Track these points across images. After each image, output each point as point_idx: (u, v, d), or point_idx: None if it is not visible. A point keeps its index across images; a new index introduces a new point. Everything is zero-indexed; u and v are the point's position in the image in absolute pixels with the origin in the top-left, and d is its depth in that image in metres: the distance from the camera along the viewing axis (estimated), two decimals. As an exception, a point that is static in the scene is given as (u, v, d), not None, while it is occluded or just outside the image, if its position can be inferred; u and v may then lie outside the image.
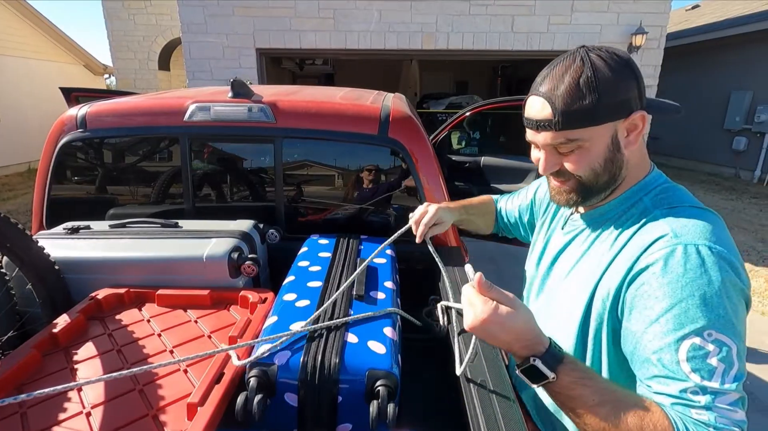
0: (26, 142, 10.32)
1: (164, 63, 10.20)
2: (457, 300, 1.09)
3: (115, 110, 1.48)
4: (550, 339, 0.68)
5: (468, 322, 0.69)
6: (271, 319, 0.93)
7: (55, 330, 0.95)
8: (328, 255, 1.24)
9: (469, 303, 0.70)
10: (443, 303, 1.12)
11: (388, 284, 1.11)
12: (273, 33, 5.88)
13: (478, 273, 0.73)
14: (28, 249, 1.06)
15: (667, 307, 0.63)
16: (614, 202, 0.79)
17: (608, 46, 0.78)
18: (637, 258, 0.68)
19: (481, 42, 5.94)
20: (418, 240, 1.19)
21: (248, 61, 5.98)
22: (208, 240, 1.21)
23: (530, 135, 0.82)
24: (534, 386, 0.67)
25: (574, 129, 0.73)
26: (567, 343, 0.82)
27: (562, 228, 0.90)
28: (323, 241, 1.33)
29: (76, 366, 0.89)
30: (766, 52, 7.92)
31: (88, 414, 0.76)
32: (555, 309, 0.79)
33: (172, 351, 0.94)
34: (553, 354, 0.65)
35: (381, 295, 1.05)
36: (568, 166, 0.77)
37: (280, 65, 8.19)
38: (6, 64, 10.08)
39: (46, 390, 0.68)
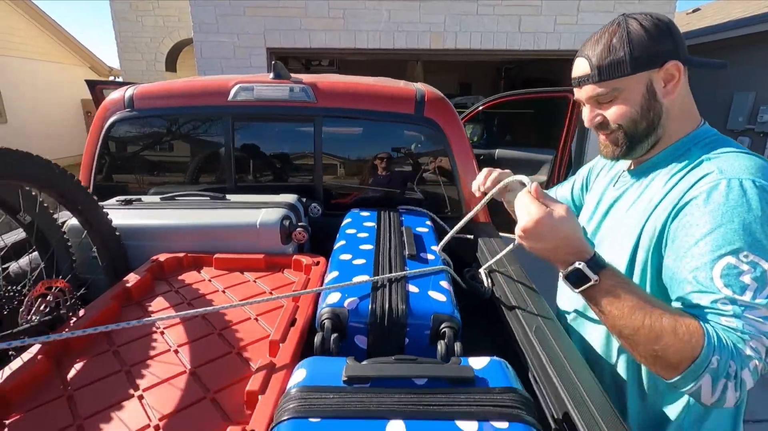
0: (31, 143, 10.38)
1: (171, 64, 10.28)
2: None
3: (160, 91, 1.54)
4: (594, 248, 0.73)
5: (522, 224, 0.75)
6: (332, 274, 0.99)
7: (127, 285, 1.01)
8: (372, 224, 1.29)
9: (525, 206, 0.75)
10: (486, 265, 1.17)
11: (434, 248, 1.17)
12: (283, 32, 5.96)
13: (534, 183, 0.79)
14: (96, 214, 1.11)
15: (707, 232, 0.68)
16: (662, 154, 0.85)
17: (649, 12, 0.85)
18: (683, 195, 0.74)
19: (489, 42, 6.02)
20: (483, 187, 1.11)
21: (259, 60, 6.05)
22: (259, 210, 1.27)
23: (576, 93, 0.89)
24: (576, 291, 0.72)
25: (610, 80, 0.80)
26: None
27: (614, 185, 0.96)
28: (365, 213, 1.39)
29: (153, 316, 0.95)
30: None
31: (176, 351, 0.82)
32: (604, 252, 0.85)
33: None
34: (596, 261, 0.71)
35: (430, 257, 1.11)
36: (608, 115, 0.84)
37: (286, 66, 8.27)
38: (12, 65, 10.18)
39: (142, 320, 0.73)
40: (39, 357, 0.75)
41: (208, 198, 1.38)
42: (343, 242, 1.17)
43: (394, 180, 1.65)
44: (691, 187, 0.74)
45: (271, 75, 1.56)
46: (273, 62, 1.56)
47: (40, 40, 11.08)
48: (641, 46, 0.77)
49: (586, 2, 5.85)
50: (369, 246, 1.13)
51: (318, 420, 0.57)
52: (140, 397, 0.70)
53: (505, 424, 0.56)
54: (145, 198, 1.40)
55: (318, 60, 9.47)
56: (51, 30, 11.25)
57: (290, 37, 5.98)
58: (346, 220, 1.35)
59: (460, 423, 0.56)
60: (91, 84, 2.93)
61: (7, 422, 0.65)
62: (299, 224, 1.25)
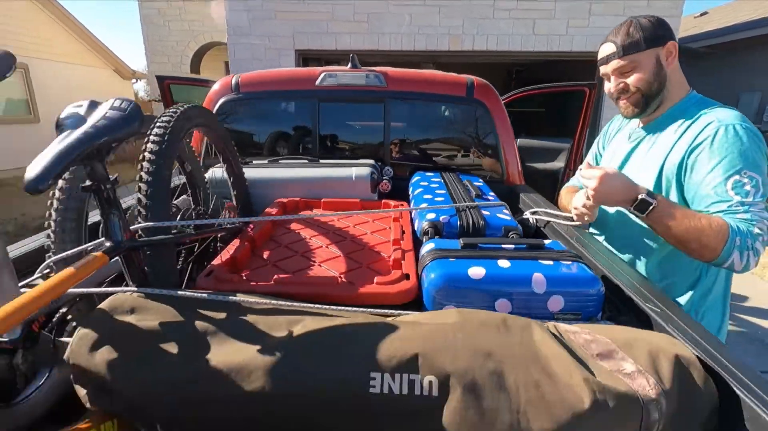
0: (62, 142, 10.89)
1: (195, 66, 10.75)
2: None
3: (261, 78, 1.92)
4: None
5: (592, 185, 1.08)
6: (422, 205, 1.35)
7: (271, 210, 1.37)
8: (438, 179, 1.65)
9: (587, 175, 1.10)
10: (531, 211, 1.53)
11: (492, 194, 1.52)
12: (311, 35, 6.37)
13: (585, 161, 1.15)
14: (237, 164, 1.48)
15: (717, 161, 1.04)
16: (667, 113, 1.20)
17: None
18: (694, 139, 1.09)
19: (504, 43, 6.38)
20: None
21: (288, 61, 6.45)
22: (351, 168, 1.63)
23: (602, 69, 1.24)
24: (643, 216, 1.06)
25: (630, 55, 1.15)
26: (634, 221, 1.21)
27: (629, 140, 1.31)
28: (429, 174, 1.75)
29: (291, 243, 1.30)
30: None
31: (327, 246, 1.17)
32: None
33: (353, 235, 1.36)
34: (649, 192, 1.06)
35: (490, 197, 1.47)
36: (629, 82, 1.18)
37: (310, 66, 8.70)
38: (44, 68, 10.69)
39: (308, 215, 1.09)
40: (245, 243, 1.11)
41: (306, 161, 1.74)
42: (420, 189, 1.53)
43: (448, 150, 2.01)
44: (699, 132, 1.09)
45: (349, 65, 1.93)
46: (351, 55, 1.93)
47: (70, 44, 11.61)
48: (649, 31, 1.14)
49: (597, 6, 6.19)
50: (443, 191, 1.49)
51: (453, 259, 0.92)
52: (320, 264, 1.06)
53: (569, 262, 0.92)
54: (254, 161, 1.76)
55: (338, 60, 9.90)
56: (80, 34, 11.78)
57: (317, 40, 6.38)
58: (416, 178, 1.70)
59: (542, 261, 0.91)
60: (160, 79, 3.32)
61: (243, 275, 1.01)
62: (383, 177, 1.61)
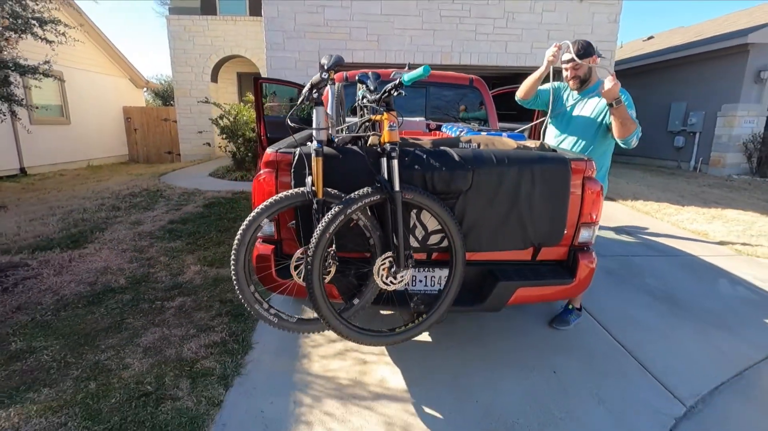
0: (89, 143, 12.15)
1: (214, 75, 12.22)
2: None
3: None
4: None
5: (613, 81, 2.33)
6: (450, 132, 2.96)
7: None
8: (452, 125, 3.27)
9: (610, 78, 2.44)
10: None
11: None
12: (333, 51, 7.99)
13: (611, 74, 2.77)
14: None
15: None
16: (592, 87, 2.74)
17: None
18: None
19: (484, 59, 8.17)
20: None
21: (313, 71, 8.01)
22: (414, 117, 3.23)
23: (564, 65, 2.75)
24: (616, 105, 2.29)
25: (581, 59, 2.68)
26: (587, 136, 2.72)
27: (573, 98, 2.78)
28: (449, 125, 3.36)
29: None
30: (695, 72, 10.40)
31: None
32: (574, 127, 2.72)
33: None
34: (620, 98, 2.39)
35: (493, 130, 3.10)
36: (579, 72, 2.69)
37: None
38: (75, 76, 11.94)
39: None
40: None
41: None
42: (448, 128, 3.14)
43: (460, 117, 3.65)
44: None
45: (407, 68, 3.54)
46: (407, 63, 3.55)
47: (95, 55, 12.88)
48: (587, 48, 2.57)
49: (554, 33, 8.08)
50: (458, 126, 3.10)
51: (476, 134, 2.53)
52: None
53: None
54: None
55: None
56: (103, 46, 13.07)
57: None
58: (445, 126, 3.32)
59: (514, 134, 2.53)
60: (255, 79, 4.85)
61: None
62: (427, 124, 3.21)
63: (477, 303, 2.02)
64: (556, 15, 8.02)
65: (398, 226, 1.71)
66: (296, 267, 1.83)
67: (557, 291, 2.06)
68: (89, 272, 3.37)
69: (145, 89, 16.73)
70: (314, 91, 1.76)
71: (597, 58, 2.56)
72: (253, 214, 1.72)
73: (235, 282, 1.78)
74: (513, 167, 1.85)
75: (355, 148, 1.91)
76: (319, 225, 1.66)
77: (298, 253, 1.81)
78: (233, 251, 1.75)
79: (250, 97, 8.36)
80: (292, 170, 1.85)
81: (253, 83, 4.85)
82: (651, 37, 17.51)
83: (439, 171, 1.81)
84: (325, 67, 2.59)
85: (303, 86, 5.20)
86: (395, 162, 1.67)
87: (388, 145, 1.70)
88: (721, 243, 4.66)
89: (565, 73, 2.63)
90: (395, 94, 1.65)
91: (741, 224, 5.38)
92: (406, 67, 3.63)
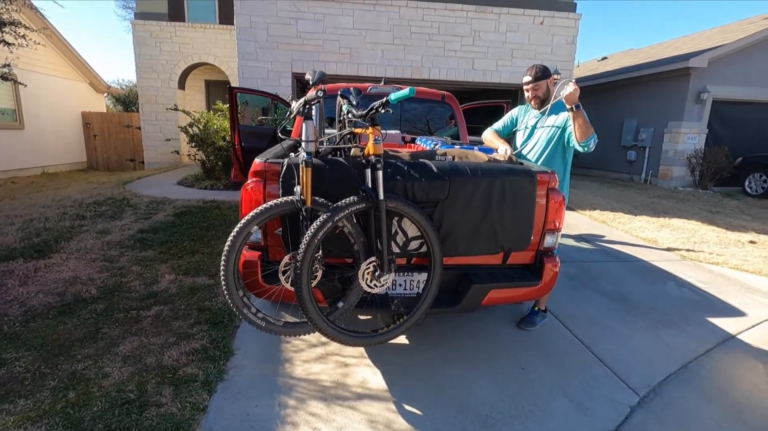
0: (42, 150, 11.62)
1: (182, 83, 12.00)
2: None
3: (337, 87, 3.64)
4: None
5: (573, 88, 2.49)
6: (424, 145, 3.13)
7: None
8: (426, 139, 3.45)
9: (572, 86, 2.61)
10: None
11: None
12: (305, 62, 8.11)
13: (502, 120, 2.99)
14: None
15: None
16: (552, 106, 2.96)
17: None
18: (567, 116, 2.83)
19: (452, 75, 8.51)
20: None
21: (286, 81, 8.13)
22: (389, 131, 3.39)
23: (525, 87, 2.96)
24: (576, 110, 2.50)
25: (538, 81, 2.88)
26: (540, 149, 2.94)
27: (534, 117, 3.03)
28: (423, 138, 3.54)
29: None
30: (645, 91, 11.23)
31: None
32: (534, 142, 2.94)
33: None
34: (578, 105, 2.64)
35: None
36: (538, 93, 2.91)
37: (304, 89, 10.43)
38: (31, 79, 11.41)
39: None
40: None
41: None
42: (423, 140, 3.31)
43: (433, 131, 3.84)
44: (565, 113, 2.89)
45: (382, 83, 3.70)
46: (383, 78, 3.71)
47: (53, 57, 12.36)
48: (543, 71, 2.83)
49: (518, 52, 8.54)
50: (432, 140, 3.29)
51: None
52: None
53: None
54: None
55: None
56: (62, 48, 12.56)
57: (310, 66, 8.13)
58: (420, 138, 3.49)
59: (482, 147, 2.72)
60: (230, 89, 4.88)
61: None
62: (403, 137, 3.38)
63: (453, 305, 2.16)
64: (519, 35, 8.49)
65: (382, 233, 1.84)
66: (284, 273, 1.91)
67: (525, 293, 2.24)
68: (57, 282, 3.28)
69: (105, 94, 16.14)
70: (307, 106, 1.87)
71: (554, 77, 2.82)
72: (243, 221, 1.80)
73: (224, 286, 1.84)
74: (485, 178, 2.02)
75: (340, 159, 2.03)
76: (308, 232, 1.76)
77: (286, 259, 1.90)
78: (224, 256, 1.82)
79: (220, 105, 8.30)
80: (281, 180, 1.94)
81: (227, 92, 4.87)
82: (605, 58, 18.72)
83: (419, 181, 1.96)
84: (311, 83, 2.70)
85: (277, 96, 5.30)
86: (380, 173, 1.80)
87: (373, 157, 1.83)
88: (668, 249, 5.07)
89: (526, 94, 2.87)
90: (382, 111, 1.78)
91: (686, 232, 5.86)
92: (382, 82, 3.80)
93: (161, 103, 11.59)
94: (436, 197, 1.99)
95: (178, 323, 2.76)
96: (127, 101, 19.61)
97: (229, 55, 10.98)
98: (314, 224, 1.76)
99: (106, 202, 6.13)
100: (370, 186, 1.84)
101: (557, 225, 2.21)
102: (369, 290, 1.92)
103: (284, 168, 1.94)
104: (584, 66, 18.28)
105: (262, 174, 2.00)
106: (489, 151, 2.69)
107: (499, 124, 3.10)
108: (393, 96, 1.70)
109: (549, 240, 2.23)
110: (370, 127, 1.85)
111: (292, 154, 2.53)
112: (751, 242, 5.48)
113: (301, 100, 1.91)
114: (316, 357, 2.47)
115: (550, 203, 2.15)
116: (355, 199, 1.82)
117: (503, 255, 2.22)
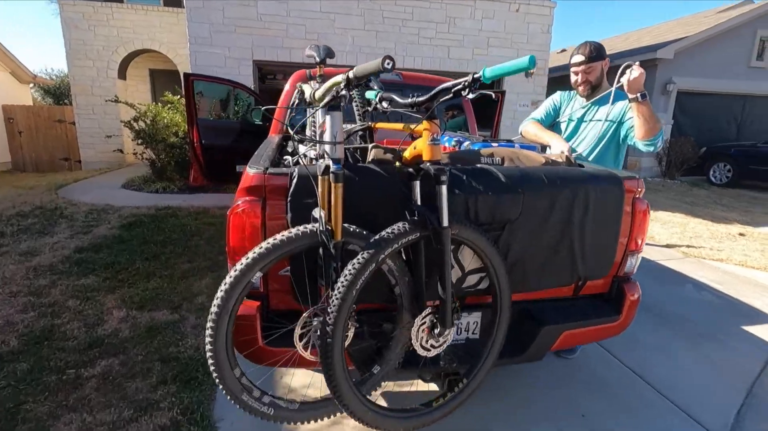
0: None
1: (122, 73, 10.69)
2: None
3: (331, 72, 3.01)
4: None
5: (639, 72, 1.96)
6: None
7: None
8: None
9: (636, 67, 2.04)
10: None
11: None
12: (267, 48, 7.29)
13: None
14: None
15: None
16: (603, 96, 2.44)
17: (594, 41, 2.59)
18: (623, 106, 2.24)
19: (428, 64, 8.00)
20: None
21: (246, 69, 7.28)
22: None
23: (574, 69, 2.38)
24: (641, 100, 1.94)
25: (592, 63, 2.31)
26: (588, 148, 2.38)
27: (582, 108, 2.50)
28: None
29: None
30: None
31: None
32: (581, 139, 2.46)
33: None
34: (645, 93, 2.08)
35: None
36: (589, 77, 2.35)
37: (274, 78, 9.66)
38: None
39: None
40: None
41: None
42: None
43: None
44: (623, 104, 2.37)
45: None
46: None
47: (-37, 43, 10.65)
48: (599, 50, 2.30)
49: (494, 41, 8.16)
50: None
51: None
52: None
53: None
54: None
55: (273, 75, 10.83)
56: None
57: (273, 53, 7.33)
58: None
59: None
60: (187, 76, 4.08)
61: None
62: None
63: (517, 354, 1.65)
64: (495, 23, 8.11)
65: (445, 272, 1.28)
66: (302, 335, 1.31)
67: (602, 331, 1.76)
68: (-39, 332, 2.45)
69: (32, 85, 14.28)
70: (338, 93, 1.26)
71: (607, 61, 2.34)
72: (241, 266, 1.17)
73: (212, 366, 1.22)
74: (566, 188, 1.51)
75: (373, 166, 1.44)
76: (342, 277, 1.17)
77: (305, 316, 1.30)
78: (210, 322, 1.19)
79: (170, 96, 7.32)
80: (289, 199, 1.33)
81: (183, 80, 4.08)
82: (564, 50, 18.96)
83: (483, 195, 1.42)
84: (316, 59, 2.08)
85: (243, 85, 4.46)
86: (444, 188, 1.24)
87: (429, 164, 1.26)
88: (668, 245, 4.86)
89: (574, 78, 2.38)
90: (469, 95, 1.21)
91: (677, 226, 5.73)
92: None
93: (98, 95, 10.24)
94: (506, 216, 1.45)
95: (134, 384, 2.07)
96: (57, 93, 17.53)
97: (178, 41, 9.84)
98: (351, 266, 1.17)
99: (33, 213, 5.11)
100: (424, 205, 1.28)
101: (640, 243, 1.74)
102: (425, 353, 1.36)
103: (294, 181, 1.33)
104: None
105: (260, 191, 1.37)
106: (532, 148, 2.19)
107: (539, 113, 2.59)
108: (489, 71, 1.13)
109: (630, 263, 1.76)
110: (425, 122, 1.28)
111: (289, 159, 1.92)
112: (741, 234, 5.42)
113: (328, 84, 1.30)
114: (328, 425, 1.88)
115: (636, 216, 1.68)
116: (407, 226, 1.25)
117: (576, 284, 1.73)
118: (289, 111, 2.94)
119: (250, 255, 1.18)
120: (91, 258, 3.64)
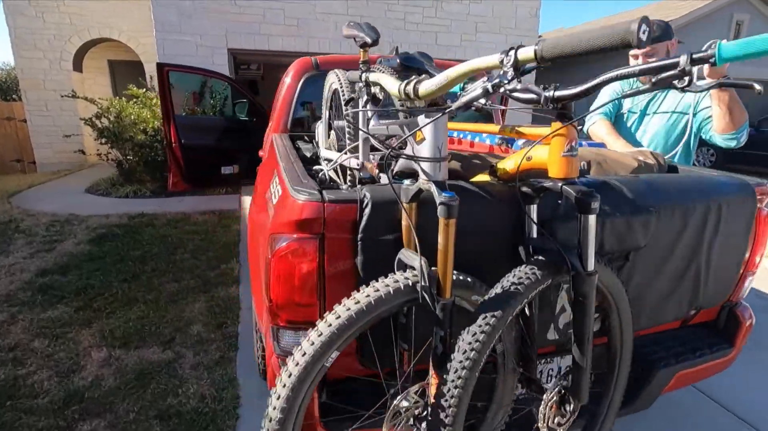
0: None
1: (77, 64, 9.75)
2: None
3: (333, 60, 2.58)
4: None
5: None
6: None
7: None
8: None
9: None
10: None
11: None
12: (243, 35, 6.70)
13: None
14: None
15: None
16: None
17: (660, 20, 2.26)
18: (698, 95, 1.96)
19: (414, 50, 7.59)
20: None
21: (221, 59, 6.67)
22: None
23: (633, 52, 2.08)
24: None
25: (656, 43, 1.97)
26: (668, 140, 2.08)
27: (645, 97, 2.13)
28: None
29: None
30: (584, 71, 11.19)
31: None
32: (652, 126, 2.12)
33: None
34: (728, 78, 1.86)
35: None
36: (650, 61, 2.10)
37: (248, 68, 9.03)
38: None
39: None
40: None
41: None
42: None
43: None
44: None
45: (394, 53, 2.70)
46: (396, 47, 2.71)
47: None
48: (664, 29, 1.97)
49: (482, 26, 7.84)
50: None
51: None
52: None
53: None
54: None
55: (247, 65, 10.18)
56: None
57: (250, 40, 6.75)
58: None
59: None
60: (161, 66, 3.54)
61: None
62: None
63: (627, 404, 1.33)
64: (483, 7, 7.78)
65: (587, 331, 0.93)
66: (393, 421, 0.94)
67: (713, 367, 1.47)
68: None
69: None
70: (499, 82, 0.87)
71: (675, 41, 2.03)
72: (315, 346, 0.79)
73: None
74: (698, 202, 1.19)
75: (472, 186, 1.06)
76: (460, 355, 0.81)
77: (403, 403, 0.92)
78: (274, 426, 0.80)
79: (134, 90, 6.63)
80: (360, 236, 0.95)
81: (157, 71, 3.54)
82: (540, 36, 18.94)
83: (611, 218, 1.07)
84: (369, 40, 1.70)
85: (224, 76, 3.92)
86: (592, 219, 0.88)
87: (560, 183, 0.91)
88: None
89: (634, 62, 2.06)
90: (682, 87, 0.83)
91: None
92: (394, 53, 2.79)
93: (52, 89, 9.31)
94: (635, 243, 1.12)
95: (130, 457, 1.64)
96: (4, 88, 16.01)
97: (140, 28, 8.99)
98: (472, 338, 0.81)
99: (-18, 228, 4.44)
100: (551, 240, 0.93)
101: (758, 261, 1.45)
102: (551, 436, 1.01)
103: (368, 210, 0.94)
104: (520, 44, 18.31)
105: (317, 224, 0.97)
106: (600, 146, 1.87)
107: (603, 107, 2.23)
108: (726, 50, 0.77)
109: (745, 286, 1.47)
110: (557, 124, 0.92)
111: (324, 168, 1.53)
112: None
113: (463, 68, 0.92)
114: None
115: (759, 229, 1.38)
116: (537, 272, 0.89)
117: (686, 314, 1.42)
118: (326, 107, 2.51)
119: (324, 329, 0.79)
120: (57, 282, 3.11)
